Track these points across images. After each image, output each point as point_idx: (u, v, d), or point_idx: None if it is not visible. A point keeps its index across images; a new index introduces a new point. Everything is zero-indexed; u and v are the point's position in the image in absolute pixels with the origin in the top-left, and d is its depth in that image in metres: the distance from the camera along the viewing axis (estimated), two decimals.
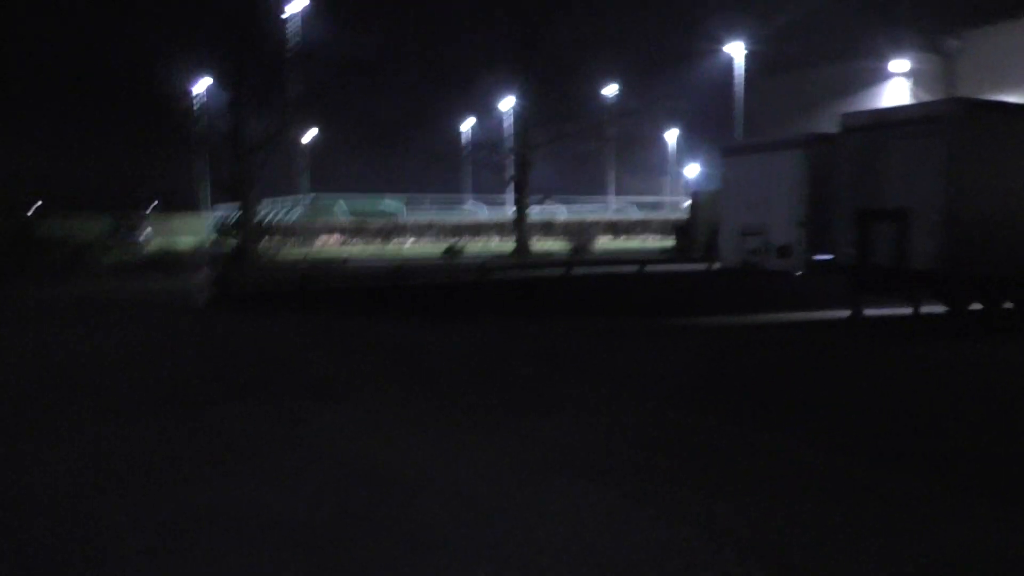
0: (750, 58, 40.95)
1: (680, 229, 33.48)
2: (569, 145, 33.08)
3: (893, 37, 29.15)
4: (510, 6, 30.80)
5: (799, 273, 17.20)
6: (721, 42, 58.14)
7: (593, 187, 68.81)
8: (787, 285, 18.05)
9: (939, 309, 16.83)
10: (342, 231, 47.40)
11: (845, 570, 4.28)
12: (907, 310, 16.67)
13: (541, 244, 34.19)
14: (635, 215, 57.80)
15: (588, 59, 33.43)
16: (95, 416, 7.70)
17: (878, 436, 7.10)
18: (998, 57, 27.58)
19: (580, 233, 37.42)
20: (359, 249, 41.27)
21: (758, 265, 17.94)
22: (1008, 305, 16.35)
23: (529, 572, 4.18)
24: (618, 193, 71.41)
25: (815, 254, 16.99)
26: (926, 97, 27.94)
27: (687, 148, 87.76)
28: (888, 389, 9.46)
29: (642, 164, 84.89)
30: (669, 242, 41.55)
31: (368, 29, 30.42)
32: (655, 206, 67.81)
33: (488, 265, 19.69)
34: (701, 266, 21.25)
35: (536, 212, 44.64)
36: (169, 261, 27.13)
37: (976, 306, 16.55)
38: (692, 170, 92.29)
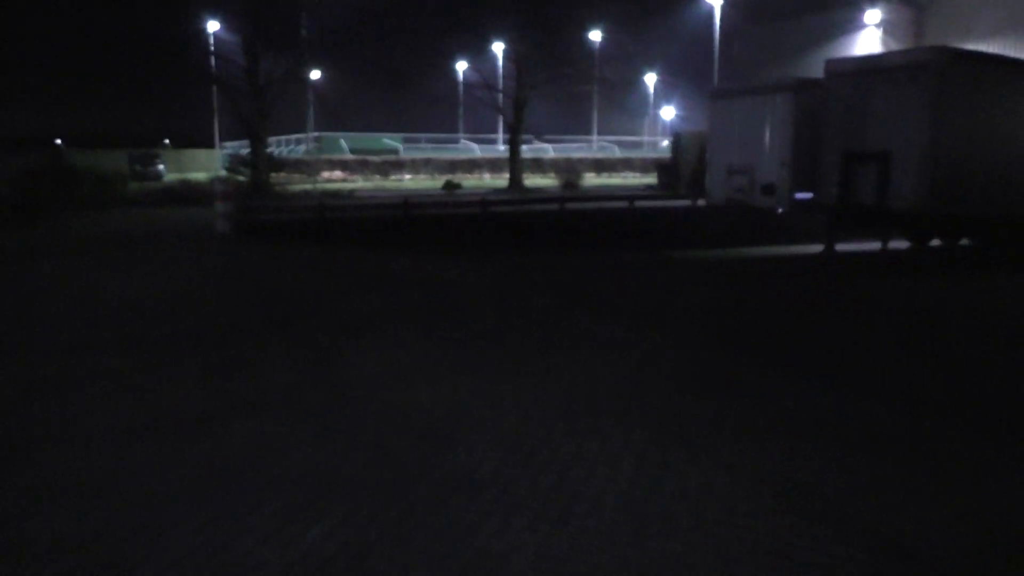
0: (732, 7, 39.99)
1: (663, 167, 33.14)
2: (562, 87, 32.44)
3: None
4: None
5: (781, 210, 17.02)
6: None
7: (577, 127, 68.10)
8: (768, 221, 17.95)
9: (903, 245, 17.01)
10: (344, 166, 46.70)
11: (886, 513, 4.14)
12: (874, 246, 16.87)
13: (532, 180, 33.78)
14: (617, 154, 57.26)
15: (576, 3, 32.42)
16: (154, 347, 7.47)
17: (875, 373, 6.93)
18: (964, 9, 27.06)
19: (569, 170, 36.98)
20: (361, 183, 40.67)
21: (743, 202, 17.75)
22: (964, 242, 16.37)
23: (567, 520, 3.89)
24: (600, 133, 70.81)
25: (797, 192, 16.79)
26: (896, 46, 27.44)
27: (664, 92, 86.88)
28: (879, 325, 9.35)
29: (622, 106, 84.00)
30: (651, 179, 41.34)
31: None
32: (635, 145, 67.24)
33: (489, 199, 19.33)
34: (686, 202, 21.02)
35: (527, 150, 44.08)
36: (187, 193, 26.56)
37: (935, 243, 16.69)
38: (668, 112, 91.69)
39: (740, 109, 17.81)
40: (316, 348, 7.32)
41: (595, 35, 36.75)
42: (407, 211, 17.62)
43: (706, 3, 57.18)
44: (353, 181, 42.25)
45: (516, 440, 4.92)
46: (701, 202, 20.66)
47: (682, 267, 14.52)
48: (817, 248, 16.59)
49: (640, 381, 6.30)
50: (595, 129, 69.73)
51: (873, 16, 28.12)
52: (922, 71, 14.01)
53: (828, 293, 11.86)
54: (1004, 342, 8.30)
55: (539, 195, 24.53)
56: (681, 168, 30.50)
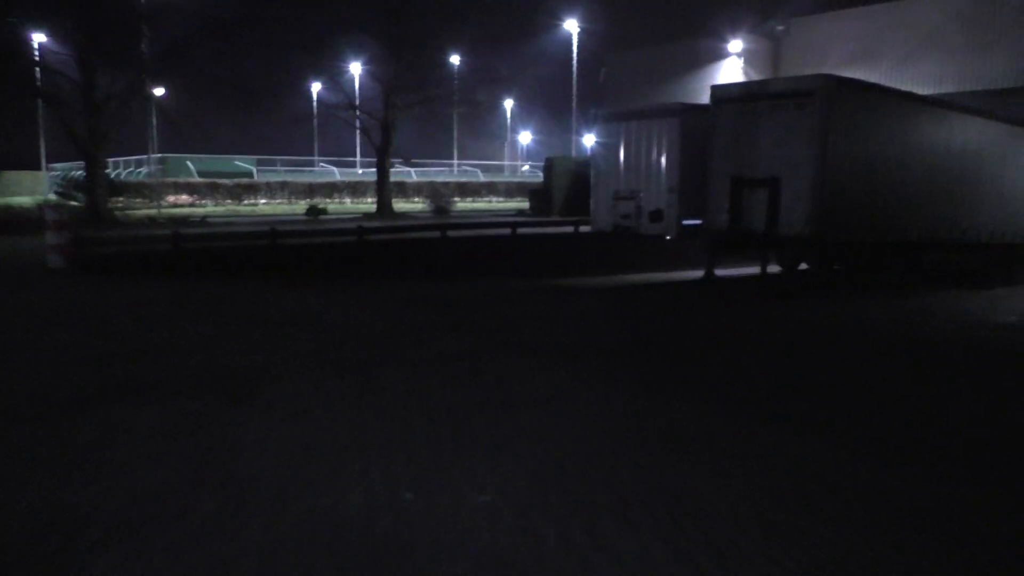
0: (589, 35, 40.54)
1: (535, 193, 32.80)
2: (432, 109, 31.49)
3: (729, 20, 29.42)
4: None
5: (669, 237, 16.73)
6: (561, 19, 58.20)
7: (435, 151, 67.32)
8: (651, 247, 17.76)
9: (777, 269, 17.34)
10: (192, 190, 43.60)
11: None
12: (752, 270, 17.06)
13: (398, 205, 32.56)
14: (481, 178, 56.77)
15: (442, 28, 31.66)
16: None
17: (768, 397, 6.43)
18: (817, 41, 28.37)
19: (434, 194, 35.99)
20: (211, 208, 37.98)
21: (630, 229, 17.37)
22: (836, 267, 16.68)
23: None
24: (460, 157, 70.29)
25: (685, 219, 16.56)
26: (756, 74, 28.38)
27: (521, 116, 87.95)
28: (767, 349, 8.96)
29: (482, 130, 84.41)
30: (517, 204, 41.03)
31: None
32: (497, 170, 67.18)
33: (365, 226, 18.02)
34: (569, 229, 20.52)
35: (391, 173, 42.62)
36: (9, 220, 23.51)
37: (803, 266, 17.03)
38: (525, 137, 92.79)
39: (625, 134, 17.46)
40: (188, 425, 5.65)
41: (456, 58, 36.09)
42: (275, 240, 16.03)
43: (565, 30, 58.40)
44: (202, 206, 39.47)
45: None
46: (585, 228, 20.25)
47: (578, 296, 13.94)
48: (698, 273, 16.72)
49: (622, 451, 5.30)
50: (455, 153, 69.29)
51: (735, 46, 28.97)
52: (809, 98, 14.04)
53: (741, 320, 11.54)
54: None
55: (417, 221, 23.42)
56: (554, 193, 30.26)
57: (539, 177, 61.50)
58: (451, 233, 18.50)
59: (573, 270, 17.70)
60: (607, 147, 17.87)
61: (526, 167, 71.46)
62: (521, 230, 19.46)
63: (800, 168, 14.17)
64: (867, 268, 16.02)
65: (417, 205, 35.96)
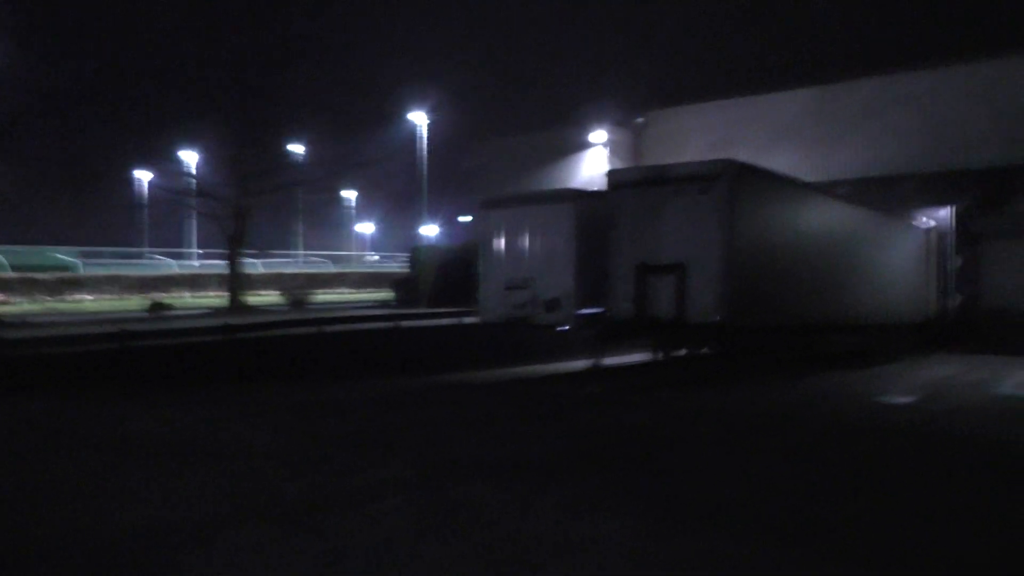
0: (457, 123, 40.44)
1: (400, 282, 31.46)
2: (290, 195, 29.74)
3: (589, 113, 30.03)
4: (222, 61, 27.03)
5: (567, 328, 15.91)
6: (408, 109, 58.20)
7: (280, 240, 64.63)
8: (537, 337, 17.06)
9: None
10: (4, 286, 38.95)
11: None
12: (632, 358, 16.87)
13: (251, 298, 30.19)
14: (332, 269, 54.63)
15: (288, 116, 30.27)
16: None
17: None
18: (675, 134, 29.32)
19: (291, 286, 33.86)
20: (27, 307, 33.83)
21: (525, 319, 16.41)
22: (705, 350, 16.47)
23: None
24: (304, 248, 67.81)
25: (583, 308, 15.82)
26: (620, 164, 28.86)
27: (365, 207, 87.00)
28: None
29: (325, 220, 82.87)
30: (372, 295, 39.43)
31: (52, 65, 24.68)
32: (344, 260, 65.13)
33: (233, 324, 16.04)
34: (452, 320, 19.33)
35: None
36: None
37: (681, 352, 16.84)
38: (367, 227, 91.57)
39: (515, 220, 16.69)
40: None
41: (299, 147, 34.68)
42: (125, 342, 13.80)
43: (410, 121, 58.39)
44: (16, 303, 35.13)
45: None
46: (472, 319, 19.17)
47: (478, 395, 12.98)
48: (586, 362, 16.31)
49: None
50: (302, 243, 66.77)
51: (599, 136, 29.43)
52: (713, 182, 13.85)
53: (658, 415, 10.72)
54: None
55: (288, 316, 21.41)
56: (420, 283, 29.07)
57: (389, 267, 60.63)
58: (328, 328, 16.80)
59: (461, 364, 16.66)
60: (497, 234, 16.99)
61: (375, 257, 70.03)
62: (405, 323, 18.04)
63: (707, 254, 13.84)
64: (766, 351, 15.82)
65: (269, 298, 33.61)
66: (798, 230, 15.84)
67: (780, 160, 23.33)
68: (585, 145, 29.88)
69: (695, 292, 13.91)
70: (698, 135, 28.42)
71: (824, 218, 16.88)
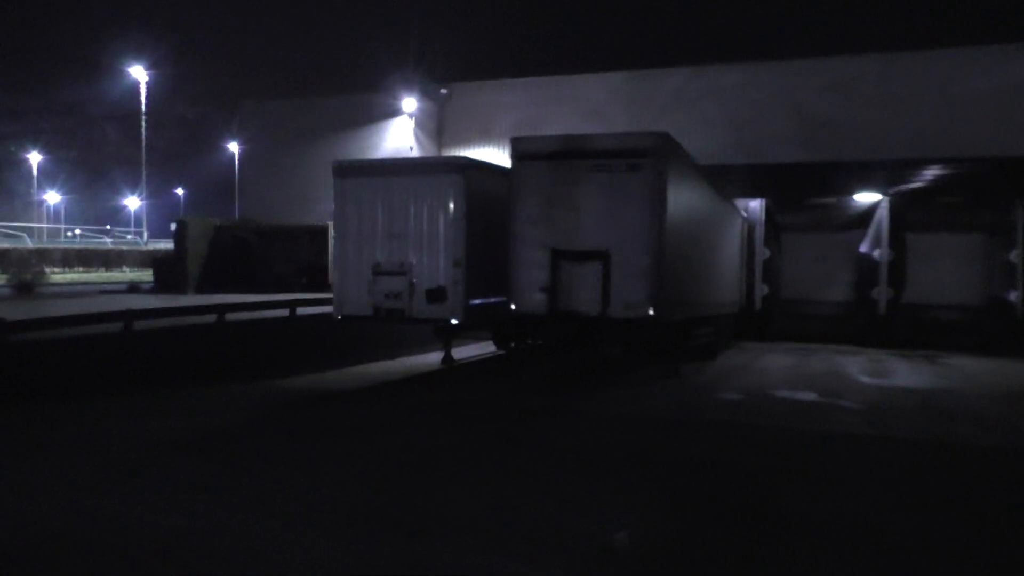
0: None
1: (162, 262, 26.25)
2: None
3: (387, 78, 27.26)
4: None
5: (455, 321, 13.49)
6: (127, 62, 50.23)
7: None
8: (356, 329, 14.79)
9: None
10: None
11: None
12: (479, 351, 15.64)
13: None
14: (29, 244, 45.24)
15: None
16: None
17: None
18: (481, 109, 27.59)
19: (24, 263, 26.92)
20: None
21: (398, 312, 13.69)
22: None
23: None
24: None
25: (474, 298, 13.50)
26: (425, 138, 26.51)
27: (51, 173, 75.36)
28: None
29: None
30: (106, 276, 33.06)
31: None
32: (37, 234, 54.60)
33: (4, 321, 11.39)
34: (283, 312, 15.88)
35: None
36: None
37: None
38: (52, 197, 78.88)
39: (384, 192, 13.82)
40: None
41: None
42: None
43: (131, 76, 50.54)
44: None
45: None
46: (306, 311, 15.85)
47: (343, 406, 10.41)
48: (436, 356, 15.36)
49: None
50: None
51: (409, 104, 26.71)
52: (644, 159, 12.24)
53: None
54: None
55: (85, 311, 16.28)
56: (189, 263, 24.34)
57: (102, 243, 51.79)
58: (138, 325, 12.68)
59: (296, 363, 14.02)
60: (357, 208, 13.99)
61: (77, 231, 59.65)
62: (231, 316, 14.33)
63: (635, 239, 12.21)
64: (673, 348, 14.58)
65: None
66: (697, 217, 14.84)
67: None
68: (384, 114, 27.01)
69: (621, 283, 12.25)
70: (503, 112, 26.91)
71: (706, 204, 16.09)
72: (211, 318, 14.07)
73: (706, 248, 16.05)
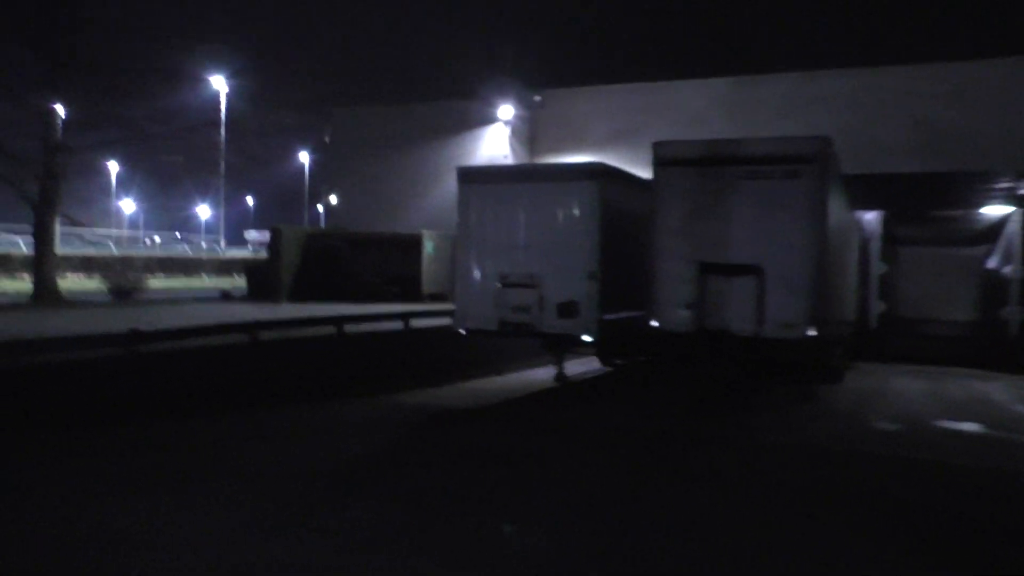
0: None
1: (254, 269, 26.07)
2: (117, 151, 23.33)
3: (480, 86, 26.73)
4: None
5: (588, 338, 12.67)
6: (208, 73, 50.76)
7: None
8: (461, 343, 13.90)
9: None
10: None
11: None
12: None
13: (61, 282, 23.33)
14: (113, 251, 45.97)
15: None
16: None
17: None
18: (576, 117, 26.87)
19: (119, 269, 27.04)
20: None
21: (527, 326, 12.92)
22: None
23: None
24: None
25: (607, 313, 12.67)
26: (519, 145, 25.88)
27: (133, 179, 76.74)
28: None
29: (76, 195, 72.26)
30: (200, 283, 33.20)
31: None
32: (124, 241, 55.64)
33: (141, 331, 10.97)
34: (398, 324, 15.27)
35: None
36: None
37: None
38: (128, 205, 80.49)
39: (513, 200, 13.12)
40: None
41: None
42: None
43: (212, 87, 51.13)
44: None
45: None
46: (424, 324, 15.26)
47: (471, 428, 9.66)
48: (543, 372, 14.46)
49: None
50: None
51: (506, 112, 26.12)
52: (805, 165, 11.30)
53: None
54: None
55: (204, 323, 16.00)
56: (283, 271, 24.04)
57: (182, 251, 52.37)
58: (265, 335, 12.19)
59: (410, 377, 13.27)
60: (484, 216, 13.31)
61: (156, 238, 60.66)
62: (347, 327, 13.77)
63: (791, 252, 11.26)
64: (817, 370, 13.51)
65: (79, 284, 26.66)
66: (842, 229, 13.84)
67: None
68: (477, 121, 26.45)
69: (777, 300, 11.30)
70: (598, 120, 26.15)
71: (846, 215, 15.06)
72: (330, 329, 13.52)
73: (842, 263, 15.02)
